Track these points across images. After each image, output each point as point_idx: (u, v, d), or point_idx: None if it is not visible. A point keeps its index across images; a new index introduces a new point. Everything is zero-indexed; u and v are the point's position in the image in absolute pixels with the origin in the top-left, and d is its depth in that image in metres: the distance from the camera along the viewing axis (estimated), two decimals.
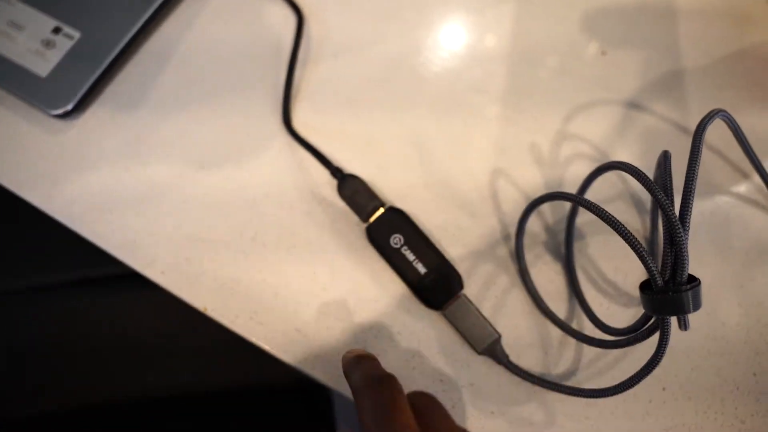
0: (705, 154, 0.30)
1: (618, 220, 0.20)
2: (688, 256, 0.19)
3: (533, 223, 0.29)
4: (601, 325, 0.25)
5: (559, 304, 0.27)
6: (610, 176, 0.29)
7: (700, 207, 0.29)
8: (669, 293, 0.19)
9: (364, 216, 0.27)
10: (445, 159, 0.30)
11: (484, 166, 0.30)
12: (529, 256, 0.28)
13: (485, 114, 0.31)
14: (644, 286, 0.20)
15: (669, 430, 0.25)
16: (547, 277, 0.28)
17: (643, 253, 0.19)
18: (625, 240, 0.19)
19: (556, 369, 0.26)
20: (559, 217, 0.29)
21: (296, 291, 0.27)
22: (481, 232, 0.28)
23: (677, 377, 0.26)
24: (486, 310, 0.27)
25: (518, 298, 0.27)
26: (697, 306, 0.19)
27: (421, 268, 0.26)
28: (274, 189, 0.29)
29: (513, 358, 0.26)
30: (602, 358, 0.26)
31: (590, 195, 0.28)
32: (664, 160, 0.21)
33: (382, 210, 0.27)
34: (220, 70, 0.31)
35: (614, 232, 0.20)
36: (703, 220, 0.29)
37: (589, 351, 0.26)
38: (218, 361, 0.33)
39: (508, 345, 0.26)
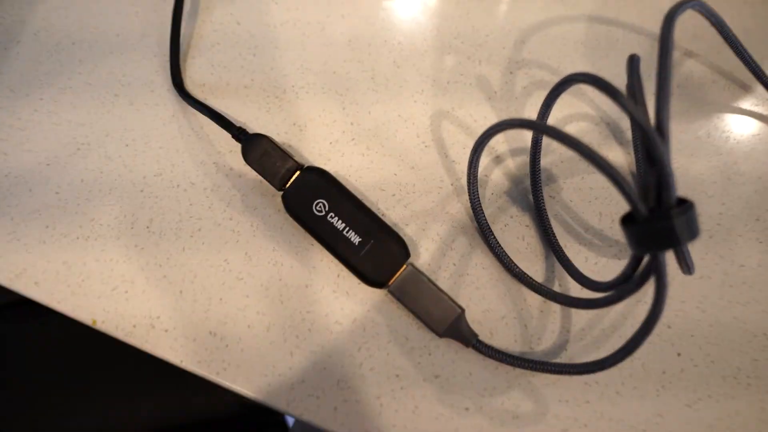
0: (693, 69, 0.25)
1: (585, 143, 0.14)
2: (672, 173, 0.14)
3: (491, 171, 0.23)
4: (587, 281, 0.19)
5: (533, 264, 0.22)
6: (575, 103, 0.24)
7: (694, 131, 0.24)
8: (655, 221, 0.15)
9: (277, 182, 0.21)
10: (374, 105, 0.24)
11: (422, 109, 0.24)
12: (490, 210, 0.22)
13: (417, 46, 0.25)
14: (626, 220, 0.15)
15: (693, 405, 0.20)
16: (516, 232, 0.22)
17: (616, 176, 0.14)
18: (595, 165, 0.14)
19: (540, 345, 0.21)
20: (522, 160, 0.23)
21: (205, 285, 0.21)
22: (426, 186, 0.23)
23: (694, 338, 0.21)
24: (443, 281, 0.22)
25: (482, 261, 0.22)
26: (692, 233, 0.15)
27: (355, 238, 0.21)
28: (167, 165, 0.23)
29: (484, 337, 0.21)
30: (596, 325, 0.21)
31: (552, 124, 0.23)
32: (631, 63, 0.17)
33: (298, 172, 0.21)
34: (90, 33, 0.26)
35: (591, 170, 0.15)
36: (700, 144, 0.24)
37: (579, 318, 0.21)
38: (136, 395, 0.26)
39: (476, 321, 0.21)
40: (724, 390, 0.20)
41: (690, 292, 0.21)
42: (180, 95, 0.24)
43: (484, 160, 0.23)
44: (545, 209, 0.22)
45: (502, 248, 0.21)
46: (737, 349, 0.21)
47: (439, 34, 0.26)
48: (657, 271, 0.15)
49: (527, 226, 0.22)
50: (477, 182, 0.21)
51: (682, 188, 0.23)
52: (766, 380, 0.20)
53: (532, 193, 0.22)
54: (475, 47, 0.25)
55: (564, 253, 0.21)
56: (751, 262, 0.22)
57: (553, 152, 0.23)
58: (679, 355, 0.21)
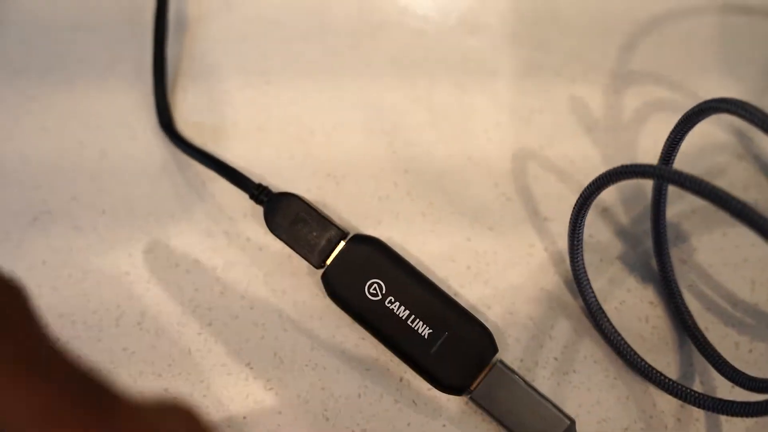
0: None
1: (738, 198, 0.19)
2: None
3: (598, 229, 0.28)
4: (740, 376, 0.24)
5: (663, 355, 0.26)
6: (707, 131, 0.29)
7: None
8: None
9: (315, 257, 0.26)
10: (435, 145, 0.29)
11: (499, 149, 0.29)
12: (598, 284, 0.27)
13: (487, 62, 0.31)
14: None
15: None
16: (636, 312, 0.27)
17: None
18: (756, 228, 0.18)
19: None
20: (640, 213, 0.28)
21: (222, 399, 0.26)
22: (511, 254, 0.28)
23: None
24: (541, 382, 0.26)
25: (593, 353, 0.26)
26: None
27: (423, 329, 0.25)
28: (159, 237, 0.28)
29: None
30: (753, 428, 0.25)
31: (681, 164, 0.28)
32: None
33: (343, 243, 0.26)
34: (51, 58, 0.32)
35: (736, 222, 0.19)
36: None
37: (733, 427, 0.25)
38: None
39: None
40: None
41: None
42: (171, 140, 0.29)
43: (589, 215, 0.28)
44: (675, 279, 0.27)
45: (619, 334, 0.26)
46: None
47: (515, 43, 0.31)
48: None
49: (651, 302, 0.27)
50: (582, 247, 0.26)
51: None
52: None
53: (656, 257, 0.27)
54: (564, 60, 0.31)
55: (705, 338, 0.26)
56: None
57: (681, 199, 0.28)
58: None
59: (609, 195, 0.29)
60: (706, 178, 0.19)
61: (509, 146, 0.29)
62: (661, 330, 0.27)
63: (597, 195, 0.24)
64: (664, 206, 0.27)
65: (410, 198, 0.29)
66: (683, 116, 0.24)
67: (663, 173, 0.21)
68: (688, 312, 0.26)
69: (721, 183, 0.27)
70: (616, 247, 0.28)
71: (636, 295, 0.27)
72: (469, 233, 0.28)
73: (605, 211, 0.28)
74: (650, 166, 0.21)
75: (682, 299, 0.27)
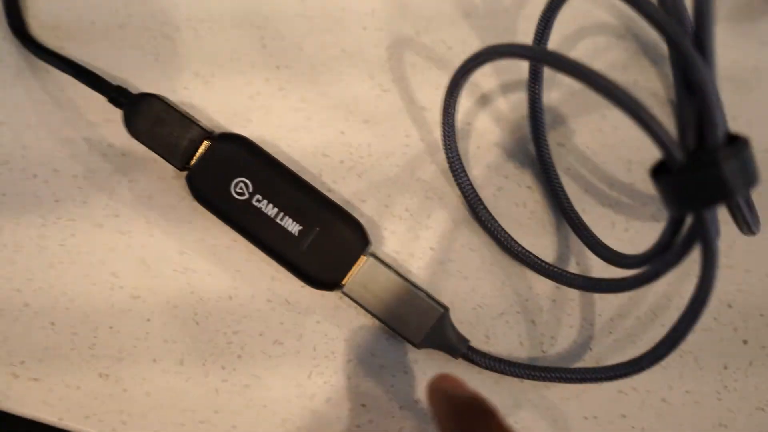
0: None
1: (596, 71, 0.18)
2: (719, 102, 0.18)
3: (475, 117, 0.27)
4: (613, 255, 0.24)
5: (540, 239, 0.26)
6: (590, 11, 0.28)
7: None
8: (696, 168, 0.18)
9: (178, 159, 0.25)
10: (307, 38, 0.28)
11: (374, 38, 0.28)
12: (476, 170, 0.27)
13: None
14: (658, 170, 0.19)
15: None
16: (513, 197, 0.27)
17: (639, 111, 0.18)
18: (612, 99, 0.18)
19: (555, 346, 0.25)
20: (518, 99, 0.28)
21: (87, 310, 0.25)
22: (386, 146, 0.27)
23: (765, 317, 0.26)
24: (417, 272, 0.26)
25: (470, 241, 0.26)
26: (749, 179, 0.18)
27: (293, 226, 0.25)
28: (15, 149, 0.27)
29: (478, 342, 0.25)
30: (630, 312, 0.26)
31: (560, 46, 0.27)
32: None
33: (207, 143, 0.25)
34: None
35: (611, 104, 0.18)
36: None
37: (606, 305, 0.26)
38: None
39: (466, 322, 0.26)
40: None
41: (756, 257, 0.26)
42: (25, 45, 0.28)
43: (465, 102, 0.27)
44: (552, 162, 0.26)
45: (495, 220, 0.26)
46: None
47: None
48: (703, 234, 0.19)
49: (529, 187, 0.27)
50: (455, 134, 0.26)
51: (738, 126, 0.27)
52: None
53: (534, 141, 0.27)
54: None
55: (581, 219, 0.26)
56: None
57: (559, 84, 0.28)
58: (745, 342, 0.25)
59: (486, 81, 0.28)
60: (586, 59, 0.18)
61: (384, 35, 0.28)
62: (539, 214, 0.27)
63: (467, 77, 0.23)
64: (540, 89, 0.26)
65: (282, 94, 0.28)
66: None
67: (532, 52, 0.20)
68: (565, 194, 0.26)
69: (601, 64, 0.27)
70: (494, 133, 0.27)
71: (513, 180, 0.27)
72: (342, 127, 0.27)
73: (483, 98, 0.28)
74: (518, 46, 0.21)
75: (559, 182, 0.26)
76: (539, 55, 0.20)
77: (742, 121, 0.27)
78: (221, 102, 0.27)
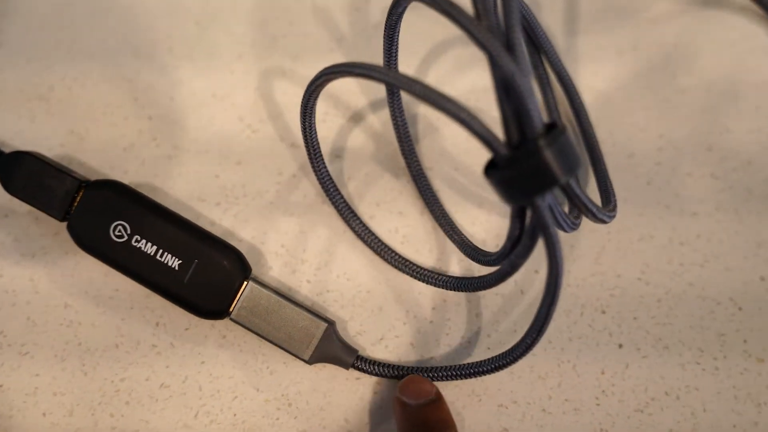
0: None
1: (415, 79, 0.19)
2: (533, 97, 0.18)
3: (348, 135, 0.29)
4: (476, 253, 0.25)
5: (421, 244, 0.27)
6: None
7: (614, 40, 0.31)
8: (520, 160, 0.18)
9: (56, 210, 0.26)
10: (178, 87, 0.29)
11: (243, 80, 0.30)
12: (354, 185, 0.28)
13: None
14: (489, 168, 0.20)
15: (645, 409, 0.25)
16: (391, 207, 0.28)
17: (457, 112, 0.18)
18: (440, 108, 0.19)
19: (447, 344, 0.26)
20: (387, 115, 0.29)
21: None
22: (260, 183, 0.28)
23: (637, 321, 0.27)
24: (305, 290, 0.27)
25: (349, 254, 0.27)
26: (570, 165, 0.19)
27: (173, 261, 0.25)
28: None
29: (374, 349, 0.26)
30: (519, 302, 0.26)
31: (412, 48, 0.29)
32: None
33: (83, 192, 0.26)
34: None
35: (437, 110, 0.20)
36: (623, 59, 0.30)
37: (491, 299, 0.27)
38: None
39: (357, 333, 0.26)
40: (686, 381, 0.26)
41: (626, 262, 0.27)
42: None
43: (338, 122, 0.29)
44: (422, 169, 0.28)
45: (370, 231, 0.27)
46: (697, 325, 0.26)
47: None
48: (540, 223, 0.20)
49: (401, 192, 0.28)
50: (320, 152, 0.26)
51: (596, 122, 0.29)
52: (736, 359, 0.26)
53: (402, 151, 0.28)
54: None
55: (449, 219, 0.27)
56: (707, 207, 0.28)
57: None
58: (620, 346, 0.26)
59: (357, 100, 0.29)
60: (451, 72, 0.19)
61: (253, 76, 0.29)
62: (415, 220, 0.28)
63: (314, 100, 0.24)
64: (398, 103, 0.27)
65: (156, 144, 0.28)
66: (388, 11, 0.25)
67: (352, 68, 0.21)
68: (436, 199, 0.27)
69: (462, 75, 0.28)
70: (368, 148, 0.29)
71: (390, 191, 0.28)
72: (216, 170, 0.28)
73: (354, 117, 0.29)
74: (342, 65, 0.21)
75: (430, 187, 0.28)
76: (365, 72, 0.20)
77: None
78: (98, 156, 0.28)
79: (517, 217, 0.21)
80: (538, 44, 0.29)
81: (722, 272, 0.27)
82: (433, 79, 0.30)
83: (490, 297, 0.27)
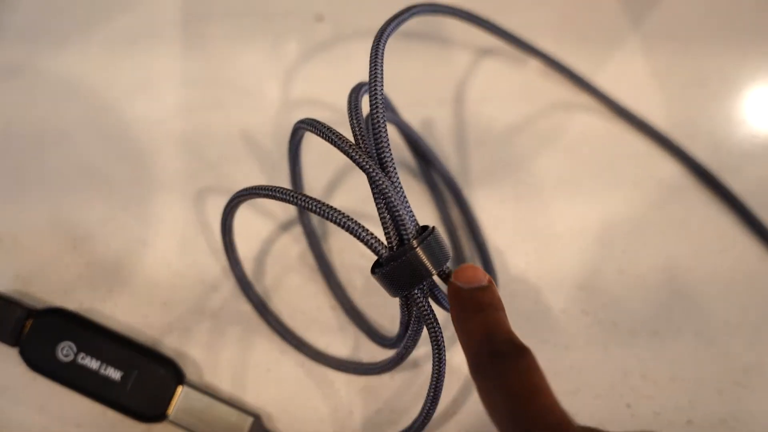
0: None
1: (306, 196, 0.23)
2: (405, 206, 0.23)
3: (274, 241, 0.33)
4: (379, 338, 0.29)
5: (338, 332, 0.31)
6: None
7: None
8: (396, 259, 0.22)
9: (9, 338, 0.29)
10: (114, 233, 0.33)
11: (172, 216, 0.34)
12: (273, 275, 0.32)
13: (155, 139, 0.35)
14: (374, 267, 0.24)
15: None
16: (306, 302, 0.32)
17: (351, 226, 0.22)
18: (332, 221, 0.23)
19: (368, 419, 0.30)
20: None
21: None
22: (187, 319, 0.32)
23: None
24: (232, 386, 0.30)
25: (266, 346, 0.31)
26: (439, 259, 0.23)
27: (115, 374, 0.29)
28: None
29: (299, 429, 0.29)
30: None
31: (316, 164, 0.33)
32: (355, 91, 0.25)
33: (31, 319, 0.29)
34: None
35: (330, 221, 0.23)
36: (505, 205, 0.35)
37: (408, 380, 0.30)
38: None
39: (279, 421, 0.30)
40: None
41: None
42: None
43: (266, 223, 0.33)
44: (329, 261, 0.32)
45: (281, 324, 0.31)
46: None
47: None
48: (421, 311, 0.24)
49: (313, 280, 0.32)
50: (236, 257, 0.31)
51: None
52: None
53: (310, 246, 0.32)
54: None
55: (354, 307, 0.31)
56: (578, 341, 0.32)
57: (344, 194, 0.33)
58: None
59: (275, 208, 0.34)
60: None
61: (180, 224, 0.34)
62: (325, 311, 0.32)
63: (232, 218, 0.28)
64: (305, 213, 0.32)
65: (91, 288, 0.32)
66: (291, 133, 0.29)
67: (256, 191, 0.25)
68: (340, 287, 0.32)
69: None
70: (288, 247, 0.33)
71: (306, 284, 0.32)
72: (145, 311, 0.32)
73: (283, 225, 0.34)
74: (247, 190, 0.25)
75: (334, 276, 0.32)
76: (261, 192, 0.24)
77: None
78: (45, 297, 0.32)
79: (405, 306, 0.24)
80: (428, 159, 0.34)
81: (592, 400, 0.31)
82: (342, 188, 0.34)
83: (403, 379, 0.30)
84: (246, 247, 0.32)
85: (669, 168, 0.36)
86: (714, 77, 0.39)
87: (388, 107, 0.32)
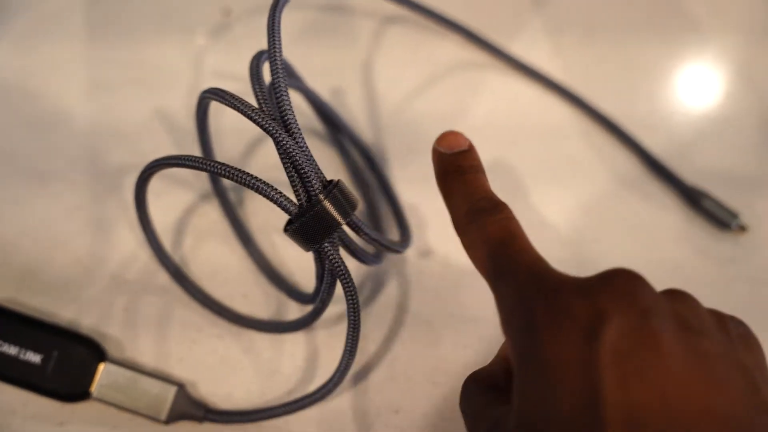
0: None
1: (222, 163, 0.23)
2: (310, 162, 0.23)
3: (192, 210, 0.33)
4: (295, 295, 0.30)
5: (260, 292, 0.32)
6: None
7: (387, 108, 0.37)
8: (305, 215, 0.23)
9: None
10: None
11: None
12: (187, 245, 0.33)
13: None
14: (286, 225, 0.25)
15: None
16: (219, 262, 0.33)
17: (259, 186, 0.23)
18: (241, 183, 0.23)
19: (278, 389, 0.30)
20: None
21: None
22: (103, 264, 0.32)
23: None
24: (156, 358, 0.31)
25: (185, 315, 0.32)
26: (346, 209, 0.24)
27: (34, 357, 0.28)
28: None
29: (222, 401, 0.30)
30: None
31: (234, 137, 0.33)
32: (255, 58, 0.26)
33: None
34: None
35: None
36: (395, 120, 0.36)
37: (325, 338, 0.31)
38: None
39: (205, 389, 0.30)
40: None
41: (417, 364, 0.31)
42: None
43: (182, 194, 0.33)
44: (245, 226, 0.33)
45: (200, 291, 0.31)
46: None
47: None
48: (332, 262, 0.25)
49: (230, 246, 0.33)
50: (153, 229, 0.31)
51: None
52: None
53: (225, 213, 0.33)
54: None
55: (273, 268, 0.32)
56: (487, 312, 0.33)
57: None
58: (397, 412, 0.30)
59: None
60: None
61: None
62: (243, 274, 0.33)
63: (145, 189, 0.28)
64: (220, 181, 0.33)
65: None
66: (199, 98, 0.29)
67: (165, 162, 0.25)
68: (257, 248, 0.33)
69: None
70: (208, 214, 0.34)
71: (221, 245, 0.33)
72: (62, 293, 0.32)
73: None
74: (159, 160, 0.25)
75: (250, 238, 0.33)
76: (181, 162, 0.24)
77: None
78: None
79: (318, 260, 0.26)
80: (337, 125, 0.35)
81: None
82: (257, 157, 0.35)
83: (324, 336, 0.31)
84: (163, 220, 0.33)
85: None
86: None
87: (293, 75, 0.33)
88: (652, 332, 0.17)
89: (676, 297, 0.19)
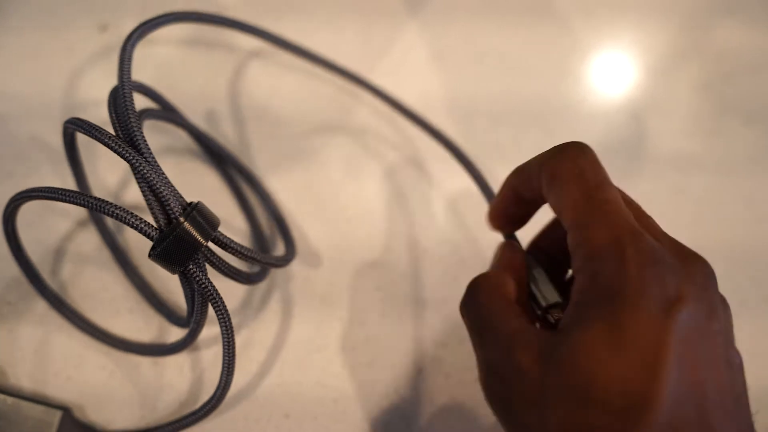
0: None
1: (90, 197, 0.23)
2: (167, 185, 0.23)
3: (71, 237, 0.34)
4: (176, 319, 0.31)
5: (135, 321, 0.32)
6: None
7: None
8: (166, 239, 0.23)
9: None
10: None
11: None
12: (66, 273, 0.33)
13: None
14: (151, 250, 0.24)
15: None
16: (112, 291, 0.33)
17: (118, 213, 0.23)
18: (101, 212, 0.23)
19: (160, 410, 0.31)
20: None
21: None
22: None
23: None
24: (38, 384, 0.31)
25: (64, 341, 0.32)
26: (206, 230, 0.24)
27: None
28: None
29: (109, 421, 0.30)
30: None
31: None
32: (114, 90, 0.26)
33: None
34: None
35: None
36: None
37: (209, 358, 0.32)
38: None
39: (92, 412, 0.31)
40: None
41: (305, 369, 0.33)
42: None
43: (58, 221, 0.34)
44: (123, 250, 0.33)
45: (80, 317, 0.32)
46: (369, 419, 0.31)
47: None
48: (199, 284, 0.24)
49: (110, 270, 0.33)
50: (27, 259, 0.30)
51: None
52: None
53: (102, 238, 0.33)
54: None
55: (154, 293, 0.33)
56: (373, 315, 0.34)
57: None
58: (287, 416, 0.31)
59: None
60: None
61: None
62: (118, 298, 0.33)
63: (13, 223, 0.28)
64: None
65: None
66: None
67: (50, 193, 0.25)
68: (137, 273, 0.33)
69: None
70: (88, 241, 0.34)
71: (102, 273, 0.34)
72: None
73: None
74: (40, 189, 0.25)
75: (129, 260, 0.34)
76: (42, 194, 0.25)
77: None
78: None
79: (185, 282, 0.25)
80: (219, 154, 0.36)
81: (388, 369, 0.33)
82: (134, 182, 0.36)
83: (210, 354, 0.32)
84: (39, 248, 0.33)
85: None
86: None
87: (172, 110, 0.34)
88: (711, 332, 0.20)
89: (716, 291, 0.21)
